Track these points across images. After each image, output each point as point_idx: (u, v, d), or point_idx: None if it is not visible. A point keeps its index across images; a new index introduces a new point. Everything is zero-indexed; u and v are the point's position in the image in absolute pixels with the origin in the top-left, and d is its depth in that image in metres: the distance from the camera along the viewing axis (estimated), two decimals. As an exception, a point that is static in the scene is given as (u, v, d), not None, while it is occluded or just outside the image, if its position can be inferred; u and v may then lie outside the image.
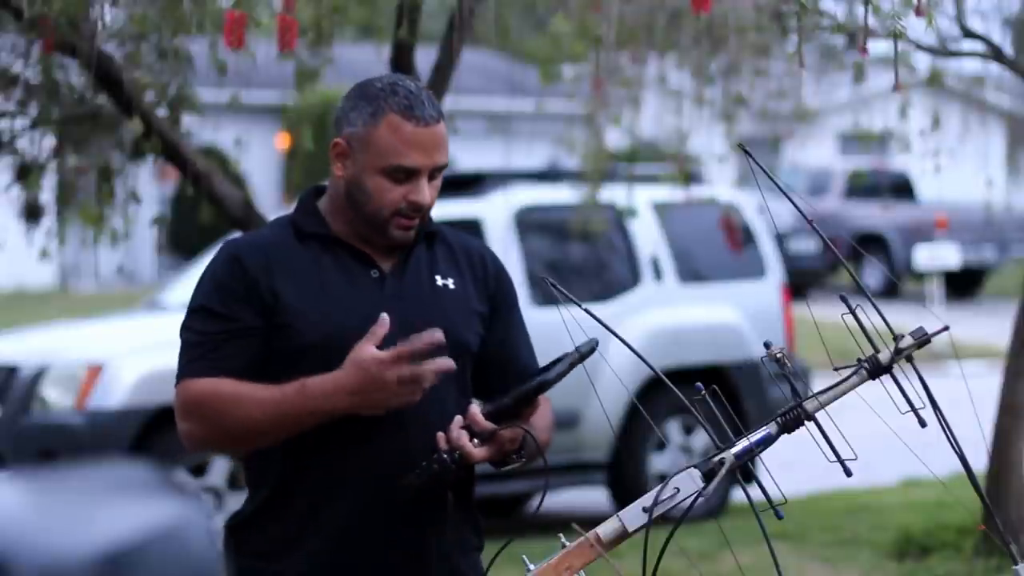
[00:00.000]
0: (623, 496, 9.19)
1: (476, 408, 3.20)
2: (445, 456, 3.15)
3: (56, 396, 9.10)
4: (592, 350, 3.20)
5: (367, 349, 3.14)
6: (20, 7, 5.71)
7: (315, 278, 3.30)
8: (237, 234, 3.50)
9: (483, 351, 3.39)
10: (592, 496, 10.46)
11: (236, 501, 6.53)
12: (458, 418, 3.19)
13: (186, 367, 3.27)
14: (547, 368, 3.23)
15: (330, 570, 3.26)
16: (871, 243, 23.17)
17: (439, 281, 3.37)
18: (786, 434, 3.10)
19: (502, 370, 3.37)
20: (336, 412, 3.18)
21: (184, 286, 9.86)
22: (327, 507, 3.25)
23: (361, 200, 3.31)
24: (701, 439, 9.90)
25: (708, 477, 3.06)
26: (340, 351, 3.20)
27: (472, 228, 9.79)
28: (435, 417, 3.22)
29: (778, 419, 3.09)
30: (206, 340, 3.26)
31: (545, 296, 9.44)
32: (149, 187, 8.30)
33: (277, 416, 3.18)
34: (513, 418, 3.20)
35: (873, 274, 22.70)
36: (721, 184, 11.86)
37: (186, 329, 3.31)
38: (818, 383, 3.33)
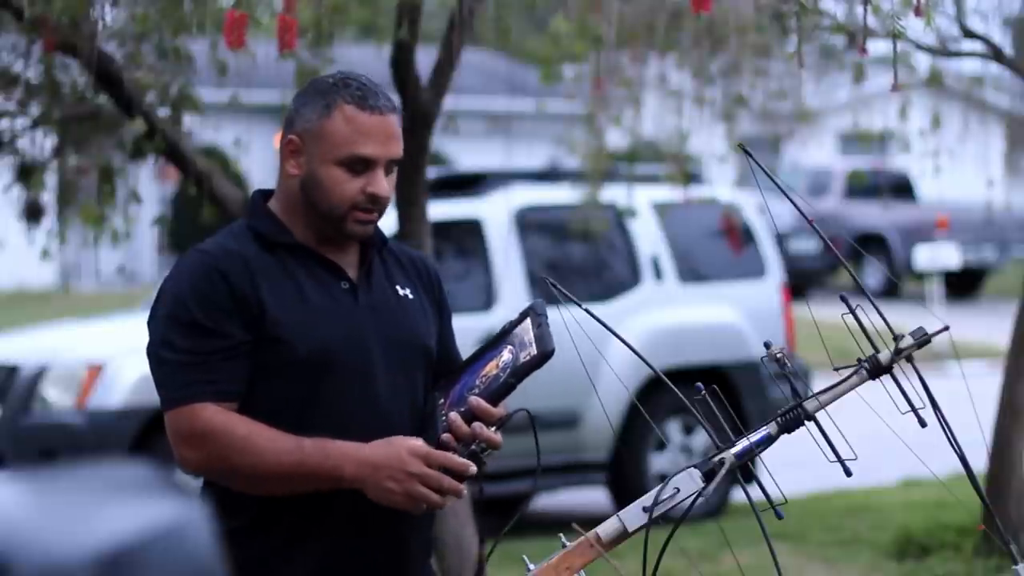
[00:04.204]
0: (623, 496, 9.19)
1: (479, 400, 3.17)
2: (476, 449, 3.15)
3: (56, 396, 9.11)
4: (544, 307, 3.23)
5: (408, 439, 3.14)
6: (21, 7, 5.71)
7: (293, 289, 3.23)
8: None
9: None
10: (592, 496, 10.46)
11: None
12: (454, 415, 3.17)
13: (185, 389, 3.15)
14: (497, 341, 3.24)
15: None
16: (871, 243, 23.16)
17: (400, 291, 3.35)
18: (786, 434, 3.10)
19: (444, 367, 3.36)
20: (345, 480, 3.13)
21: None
22: (314, 525, 3.21)
23: (317, 196, 3.24)
24: (701, 439, 9.90)
25: (708, 477, 3.06)
26: (324, 365, 3.19)
27: (472, 228, 9.80)
28: (416, 432, 3.22)
29: (778, 419, 3.09)
30: (200, 359, 3.14)
31: (546, 296, 9.44)
32: (150, 187, 8.31)
33: (290, 470, 3.12)
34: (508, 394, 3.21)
35: (873, 274, 22.70)
36: (721, 184, 11.86)
37: (168, 346, 3.17)
38: (818, 383, 3.33)
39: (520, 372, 3.18)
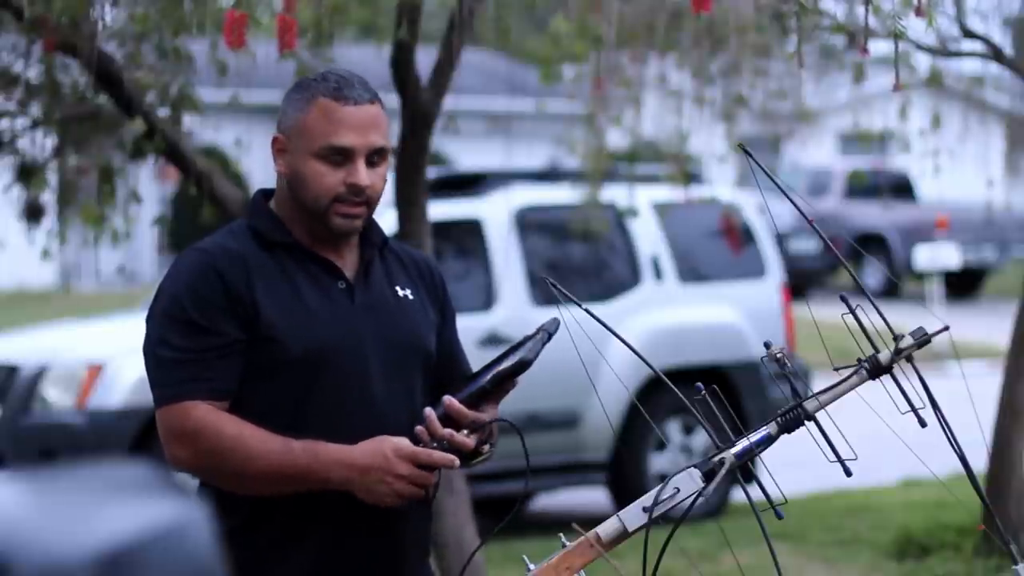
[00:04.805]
0: (623, 496, 9.19)
1: (452, 400, 3.19)
2: (436, 447, 3.16)
3: (56, 396, 9.11)
4: (557, 328, 3.23)
5: (394, 438, 3.15)
6: (21, 7, 5.71)
7: (289, 289, 3.23)
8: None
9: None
10: (592, 496, 10.46)
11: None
12: (429, 411, 3.18)
13: (178, 387, 3.16)
14: (509, 352, 3.25)
15: None
16: (871, 243, 23.16)
17: (399, 292, 3.35)
18: (786, 434, 3.11)
19: (448, 373, 3.36)
20: (333, 482, 3.14)
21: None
22: (308, 523, 3.21)
23: (301, 191, 3.25)
24: (701, 439, 9.90)
25: (708, 477, 3.06)
26: (320, 365, 3.20)
27: (472, 228, 9.80)
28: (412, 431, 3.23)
29: (778, 419, 3.09)
30: (194, 357, 3.16)
31: (545, 296, 9.46)
32: (150, 187, 8.31)
33: (278, 471, 3.13)
34: (488, 400, 3.23)
35: (873, 274, 22.69)
36: (721, 184, 11.86)
37: (164, 344, 3.18)
38: (818, 383, 3.33)
39: (496, 379, 3.22)
